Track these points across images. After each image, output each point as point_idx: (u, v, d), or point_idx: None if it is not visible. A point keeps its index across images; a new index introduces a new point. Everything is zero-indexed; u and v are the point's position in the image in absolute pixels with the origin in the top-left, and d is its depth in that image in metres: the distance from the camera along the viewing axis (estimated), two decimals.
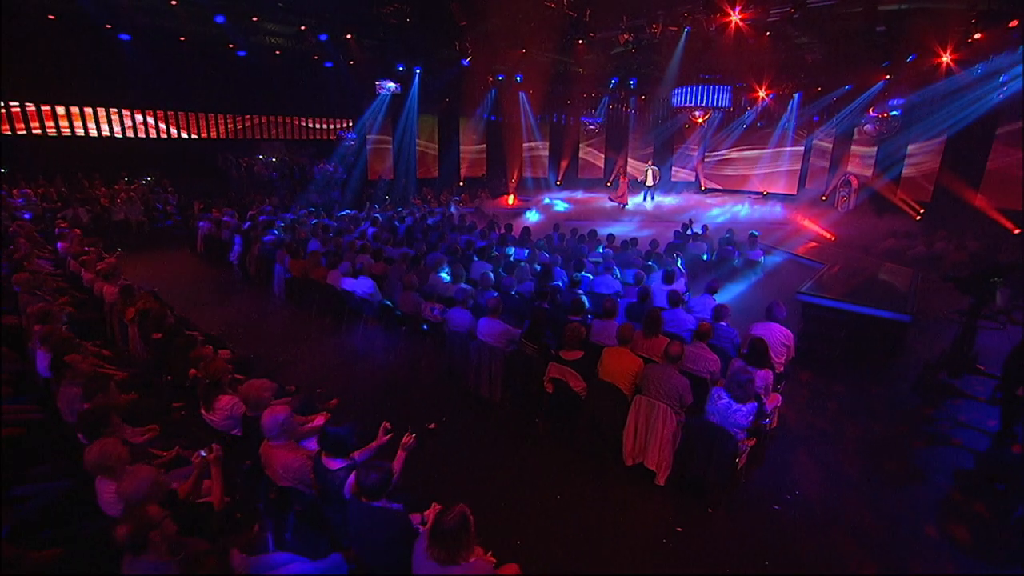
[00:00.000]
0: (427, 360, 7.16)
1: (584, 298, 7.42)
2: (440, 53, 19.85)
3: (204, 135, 18.26)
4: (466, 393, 6.50)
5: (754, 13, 15.55)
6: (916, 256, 11.62)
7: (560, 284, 8.16)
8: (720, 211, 17.82)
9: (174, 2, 15.08)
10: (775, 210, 18.01)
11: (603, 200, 19.60)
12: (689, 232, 12.30)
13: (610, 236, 11.16)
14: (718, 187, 22.84)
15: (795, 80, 19.35)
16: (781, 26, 16.20)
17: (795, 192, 21.58)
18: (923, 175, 16.62)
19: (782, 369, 6.03)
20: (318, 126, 20.81)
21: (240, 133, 19.01)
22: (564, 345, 5.45)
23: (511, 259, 9.56)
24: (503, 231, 12.05)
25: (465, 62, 20.55)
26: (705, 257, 11.25)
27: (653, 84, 20.92)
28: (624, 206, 18.56)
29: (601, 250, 9.72)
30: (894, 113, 15.35)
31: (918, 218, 15.50)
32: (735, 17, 15.71)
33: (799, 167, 21.32)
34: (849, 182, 17.20)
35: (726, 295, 9.48)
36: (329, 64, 19.95)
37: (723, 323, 6.26)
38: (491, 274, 7.80)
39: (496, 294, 7.19)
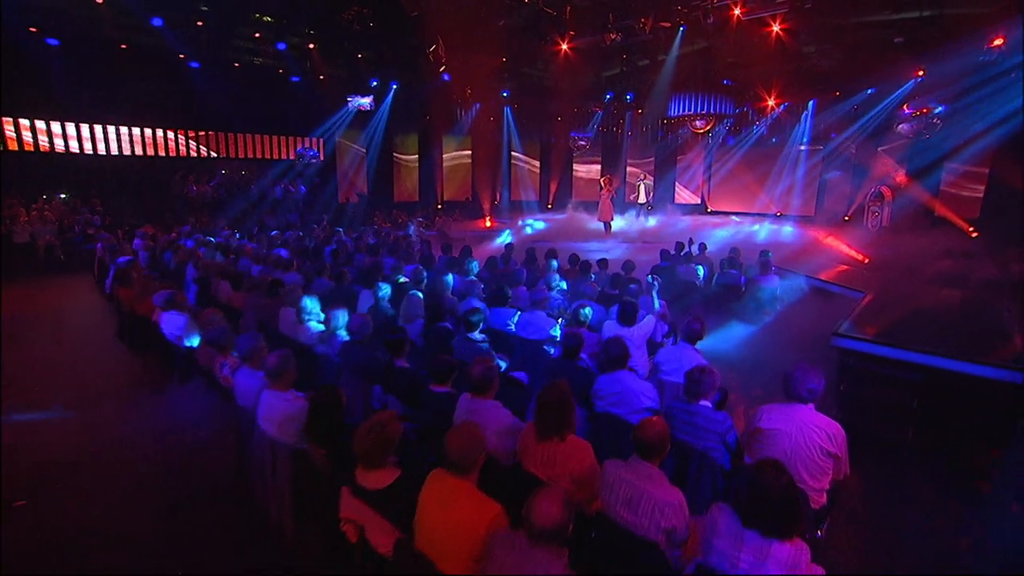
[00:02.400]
0: (211, 452, 4.16)
1: (485, 345, 4.42)
2: (414, 65, 17.35)
3: (152, 152, 15.91)
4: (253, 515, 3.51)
5: (757, 6, 12.70)
6: (986, 280, 8.31)
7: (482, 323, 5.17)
8: (730, 231, 14.50)
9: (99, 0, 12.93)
10: (791, 231, 14.67)
11: (592, 220, 16.45)
12: (683, 252, 9.21)
13: (573, 257, 8.14)
14: (726, 209, 19.63)
15: (808, 87, 16.34)
16: (788, 32, 13.39)
17: (813, 213, 18.28)
18: (965, 183, 13.35)
19: (824, 501, 2.91)
20: (286, 145, 18.36)
21: (195, 151, 16.64)
22: (360, 457, 2.47)
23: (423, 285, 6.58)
24: (450, 255, 9.16)
25: (446, 77, 18.10)
26: (699, 283, 8.13)
27: (648, 95, 18.08)
28: (608, 226, 15.55)
29: (557, 278, 6.65)
30: (936, 109, 12.11)
31: (975, 234, 12.07)
32: (737, 11, 12.91)
33: (815, 184, 18.07)
34: (881, 195, 13.90)
35: (723, 340, 6.38)
36: (296, 79, 17.66)
37: (704, 402, 3.17)
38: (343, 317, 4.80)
39: (315, 345, 4.27)
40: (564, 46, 16.01)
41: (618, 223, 15.42)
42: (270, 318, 5.76)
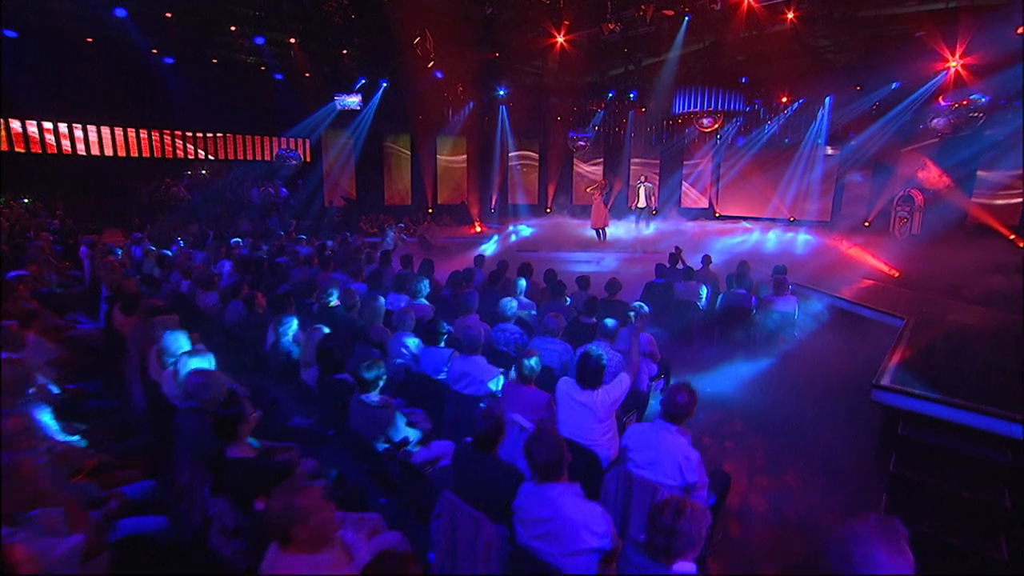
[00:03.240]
0: None
1: (384, 413, 3.10)
2: (403, 61, 16.06)
3: (123, 153, 14.82)
4: None
5: None
6: None
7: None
8: (738, 240, 12.98)
9: None
10: (807, 239, 13.09)
11: (587, 226, 14.93)
12: (679, 266, 7.78)
13: (549, 274, 6.75)
14: (735, 214, 18.06)
15: (825, 82, 14.79)
16: (803, 20, 11.90)
17: (829, 218, 16.68)
18: (1003, 187, 11.75)
19: None
20: (269, 145, 17.19)
21: (172, 152, 15.53)
22: None
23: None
24: (409, 268, 7.85)
25: (438, 74, 16.84)
26: (701, 305, 6.70)
27: (651, 92, 16.62)
28: (601, 234, 13.60)
29: (514, 305, 5.22)
30: (979, 99, 10.47)
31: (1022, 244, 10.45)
32: None
33: (833, 187, 16.47)
34: (911, 198, 12.26)
35: (726, 380, 5.00)
36: (279, 76, 16.50)
37: (683, 568, 1.77)
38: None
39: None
40: (560, 38, 14.66)
41: (615, 230, 13.89)
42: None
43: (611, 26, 13.24)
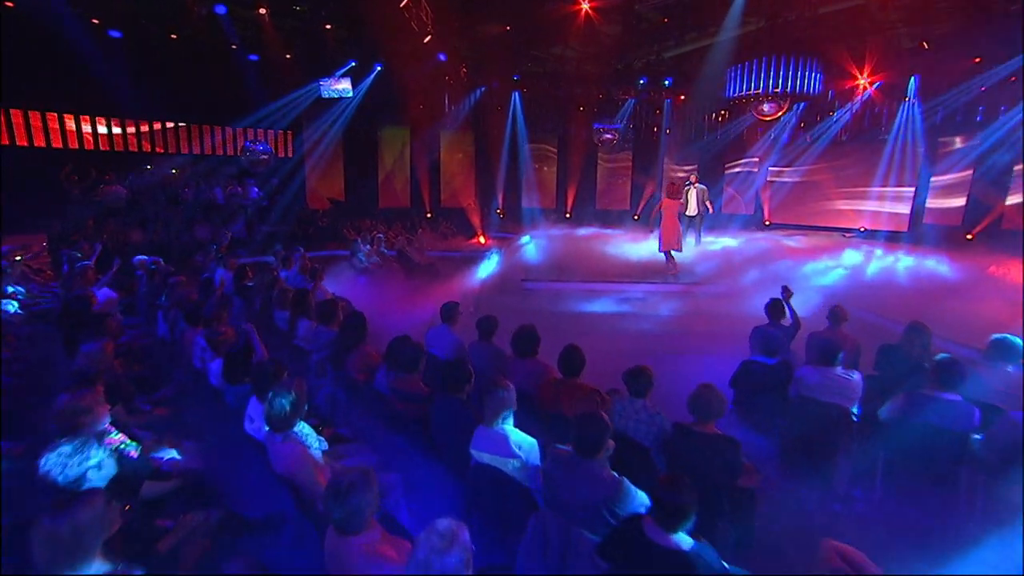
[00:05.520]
0: None
1: None
2: (397, 41, 12.92)
3: (60, 144, 12.00)
4: None
5: None
6: None
7: None
8: (826, 265, 8.78)
9: None
10: (908, 262, 9.34)
11: (617, 237, 11.46)
12: (786, 320, 4.51)
13: (569, 359, 3.52)
14: (789, 222, 14.57)
15: (917, 54, 11.27)
16: None
17: (906, 228, 13.13)
18: None
19: None
20: (242, 139, 14.25)
21: (121, 143, 12.70)
22: None
23: None
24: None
25: (441, 56, 13.73)
26: (855, 413, 3.43)
27: (696, 76, 13.23)
28: (671, 260, 8.58)
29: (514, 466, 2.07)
30: None
31: None
32: None
33: (913, 190, 12.93)
34: None
35: None
36: (254, 57, 13.55)
37: None
38: None
39: None
40: (585, 5, 11.41)
41: (640, 250, 9.94)
42: None
43: None
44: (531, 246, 9.84)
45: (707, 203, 10.13)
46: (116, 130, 12.41)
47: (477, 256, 10.04)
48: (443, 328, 4.27)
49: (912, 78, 12.07)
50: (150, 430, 2.98)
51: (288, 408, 2.42)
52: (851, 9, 11.15)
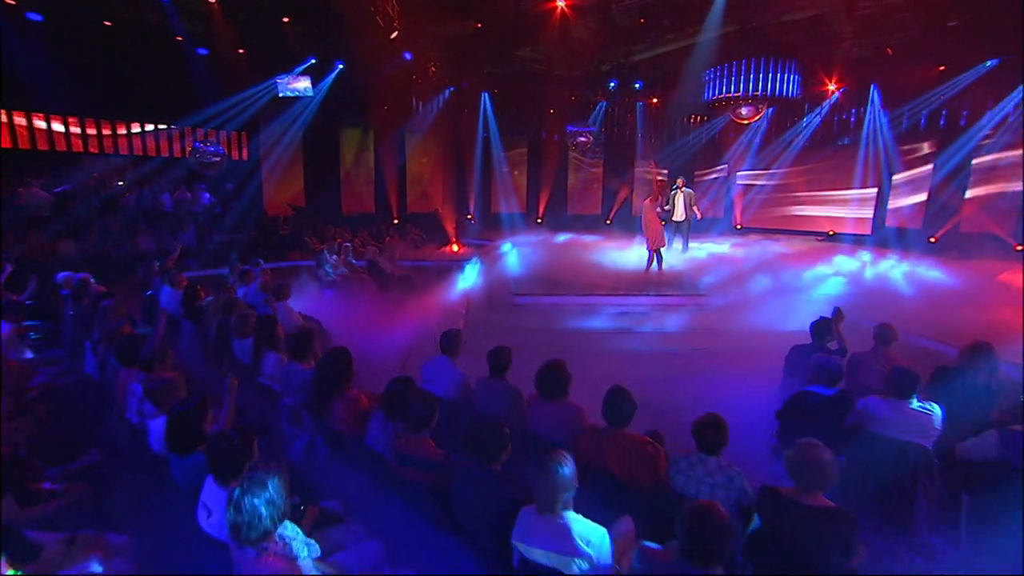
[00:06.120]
0: None
1: None
2: (361, 36, 11.98)
3: None
4: None
5: None
6: None
7: None
8: (822, 271, 8.33)
9: None
10: (902, 270, 9.03)
11: (600, 244, 10.91)
12: (832, 344, 4.02)
13: (615, 400, 2.86)
14: (760, 226, 14.49)
15: (880, 62, 11.35)
16: None
17: (870, 232, 13.27)
18: None
19: None
20: (191, 140, 12.92)
21: (45, 141, 11.20)
22: None
23: None
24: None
25: (407, 55, 12.89)
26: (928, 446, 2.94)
27: (668, 77, 12.94)
28: (657, 260, 8.11)
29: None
30: None
31: None
32: None
33: (876, 192, 13.07)
34: None
35: None
36: (203, 51, 12.31)
37: None
38: None
39: None
40: (560, 3, 10.88)
41: (628, 257, 9.41)
42: None
43: None
44: (513, 255, 9.14)
45: (695, 208, 9.76)
46: (39, 124, 10.88)
47: (454, 266, 9.26)
48: (443, 361, 3.54)
49: (872, 86, 12.21)
50: (58, 527, 2.13)
51: (264, 514, 1.66)
52: (812, 18, 11.16)
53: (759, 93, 9.79)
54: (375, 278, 8.19)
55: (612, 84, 14.55)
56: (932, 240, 11.99)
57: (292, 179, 14.27)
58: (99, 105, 11.27)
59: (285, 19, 12.07)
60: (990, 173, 11.17)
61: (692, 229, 10.37)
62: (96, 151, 11.78)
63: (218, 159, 11.52)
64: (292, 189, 14.28)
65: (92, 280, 5.66)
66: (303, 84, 13.12)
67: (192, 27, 11.55)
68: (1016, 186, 10.69)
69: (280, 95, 12.94)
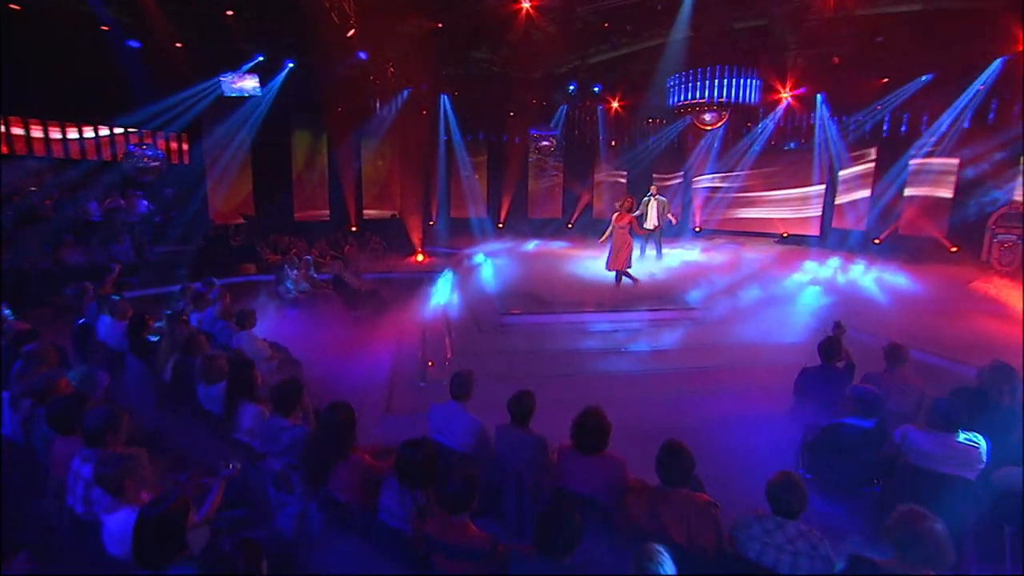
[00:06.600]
0: None
1: None
2: (315, 34, 11.15)
3: None
4: None
5: None
6: None
7: None
8: (800, 277, 8.43)
9: None
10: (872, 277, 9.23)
11: (576, 253, 10.52)
12: (841, 363, 3.88)
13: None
14: (719, 229, 14.79)
15: (828, 72, 11.75)
16: None
17: (818, 233, 13.78)
18: None
19: None
20: (123, 143, 11.62)
21: None
22: None
23: None
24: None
25: (362, 55, 12.15)
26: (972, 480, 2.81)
27: (630, 81, 12.91)
28: (624, 276, 7.51)
29: None
30: None
31: None
32: None
33: (823, 194, 13.59)
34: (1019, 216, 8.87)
35: None
36: (135, 44, 11.10)
37: None
38: None
39: None
40: (526, 3, 10.54)
41: (597, 266, 8.53)
42: None
43: None
44: (488, 267, 8.63)
45: (669, 215, 9.68)
46: None
47: (423, 278, 8.71)
48: (454, 406, 3.11)
49: (818, 95, 12.66)
50: None
51: None
52: (762, 27, 11.41)
53: (723, 99, 9.84)
54: (341, 294, 7.55)
55: (571, 87, 14.40)
56: (877, 241, 12.54)
57: (240, 184, 13.21)
58: (8, 101, 9.88)
59: (228, 12, 11.09)
60: (924, 178, 11.81)
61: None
62: (7, 151, 10.36)
63: (156, 164, 10.39)
64: (240, 195, 13.22)
65: (9, 314, 4.75)
66: (250, 83, 12.14)
67: (119, 15, 10.38)
68: (947, 191, 11.34)
69: (226, 95, 11.92)
